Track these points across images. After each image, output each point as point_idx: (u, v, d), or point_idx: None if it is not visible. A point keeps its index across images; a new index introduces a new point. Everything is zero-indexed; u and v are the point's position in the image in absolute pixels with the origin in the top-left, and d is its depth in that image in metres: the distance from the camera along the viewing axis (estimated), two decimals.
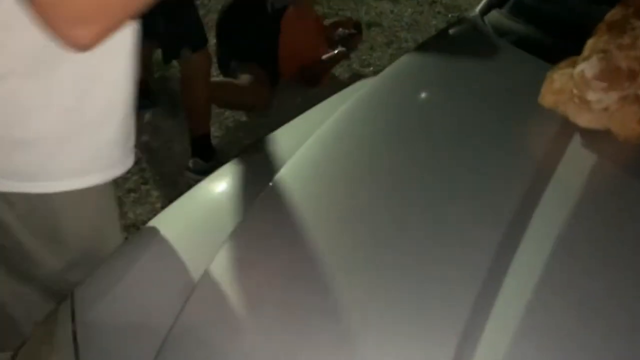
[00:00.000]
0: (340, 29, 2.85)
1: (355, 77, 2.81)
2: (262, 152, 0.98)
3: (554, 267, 0.66)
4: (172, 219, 0.89)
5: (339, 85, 2.60)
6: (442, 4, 3.81)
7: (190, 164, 2.00)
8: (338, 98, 1.06)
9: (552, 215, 0.72)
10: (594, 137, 0.83)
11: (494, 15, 1.19)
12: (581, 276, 0.67)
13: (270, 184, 0.84)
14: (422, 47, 1.24)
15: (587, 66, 0.79)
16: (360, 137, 0.95)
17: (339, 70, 2.89)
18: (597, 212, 0.75)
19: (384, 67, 3.08)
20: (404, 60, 1.14)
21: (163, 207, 1.94)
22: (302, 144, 0.90)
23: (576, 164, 0.81)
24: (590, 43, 0.83)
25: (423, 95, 1.06)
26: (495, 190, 0.79)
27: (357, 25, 2.95)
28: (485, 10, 1.21)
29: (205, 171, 1.84)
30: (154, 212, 1.89)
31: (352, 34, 2.85)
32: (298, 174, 0.86)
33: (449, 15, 3.64)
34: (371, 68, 2.94)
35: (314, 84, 2.61)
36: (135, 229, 1.80)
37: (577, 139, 0.84)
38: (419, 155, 0.88)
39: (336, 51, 2.69)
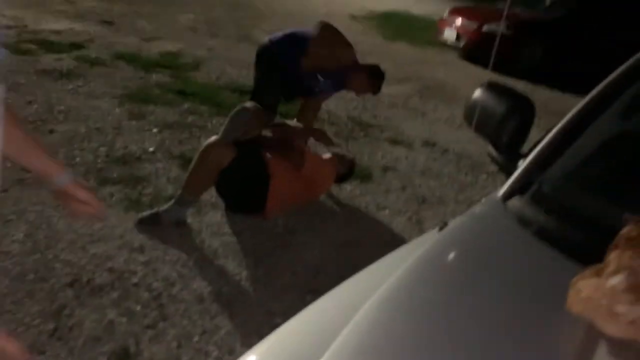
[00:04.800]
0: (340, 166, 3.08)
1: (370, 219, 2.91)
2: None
3: None
4: None
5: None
6: (454, 152, 4.03)
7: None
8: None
9: None
10: (621, 346, 0.87)
11: (515, 202, 1.28)
12: None
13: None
14: (448, 231, 1.30)
15: (617, 281, 0.85)
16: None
17: (358, 214, 3.00)
18: None
19: (399, 211, 3.18)
20: (430, 249, 1.20)
21: (179, 346, 1.95)
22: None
23: None
24: (614, 256, 0.90)
25: (441, 293, 1.09)
26: None
27: (352, 165, 3.16)
28: (507, 196, 1.31)
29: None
30: (170, 352, 1.88)
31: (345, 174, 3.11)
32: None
33: (460, 164, 3.84)
34: (387, 211, 3.05)
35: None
36: None
37: (603, 347, 0.88)
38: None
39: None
